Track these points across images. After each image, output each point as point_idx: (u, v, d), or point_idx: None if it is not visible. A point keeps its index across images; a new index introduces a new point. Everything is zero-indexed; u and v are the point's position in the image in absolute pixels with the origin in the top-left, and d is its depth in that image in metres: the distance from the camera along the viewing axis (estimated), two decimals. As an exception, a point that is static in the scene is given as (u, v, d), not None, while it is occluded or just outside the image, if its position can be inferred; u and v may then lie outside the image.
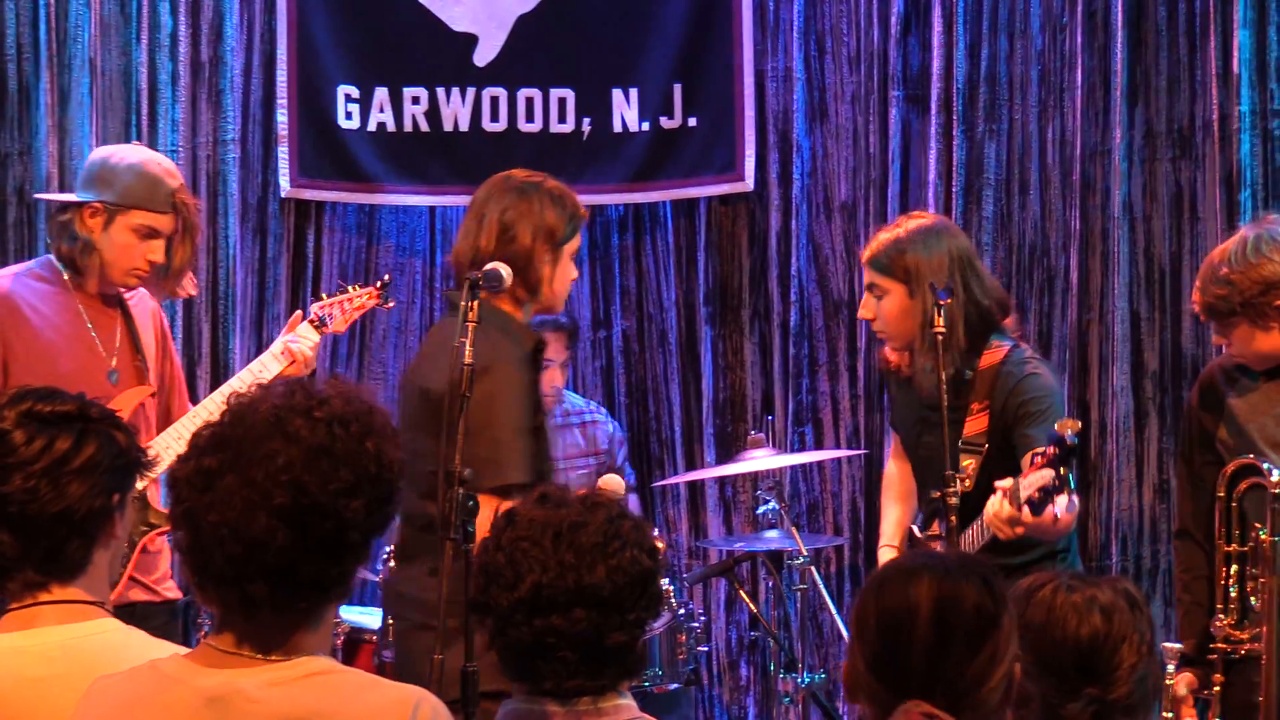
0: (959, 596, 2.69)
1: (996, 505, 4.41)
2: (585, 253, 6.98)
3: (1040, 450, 4.35)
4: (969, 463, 4.69)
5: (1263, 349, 4.60)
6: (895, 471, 5.26)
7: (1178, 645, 4.35)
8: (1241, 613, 4.57)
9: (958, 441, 4.72)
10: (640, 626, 2.92)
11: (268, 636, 2.56)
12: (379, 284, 5.30)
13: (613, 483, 4.72)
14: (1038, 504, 4.33)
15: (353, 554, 2.56)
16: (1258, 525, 4.54)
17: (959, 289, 4.75)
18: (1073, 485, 4.32)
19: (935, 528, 4.86)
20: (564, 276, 4.65)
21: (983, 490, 4.56)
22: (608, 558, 2.88)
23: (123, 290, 4.98)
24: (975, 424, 4.73)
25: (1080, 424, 4.63)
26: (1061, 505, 4.33)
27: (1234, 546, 4.59)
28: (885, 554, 5.11)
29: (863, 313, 4.95)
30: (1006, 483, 4.42)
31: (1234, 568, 4.59)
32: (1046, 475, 4.31)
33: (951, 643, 2.66)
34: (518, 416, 4.45)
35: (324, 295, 5.28)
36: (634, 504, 6.62)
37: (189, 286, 5.07)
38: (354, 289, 5.27)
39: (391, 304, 5.43)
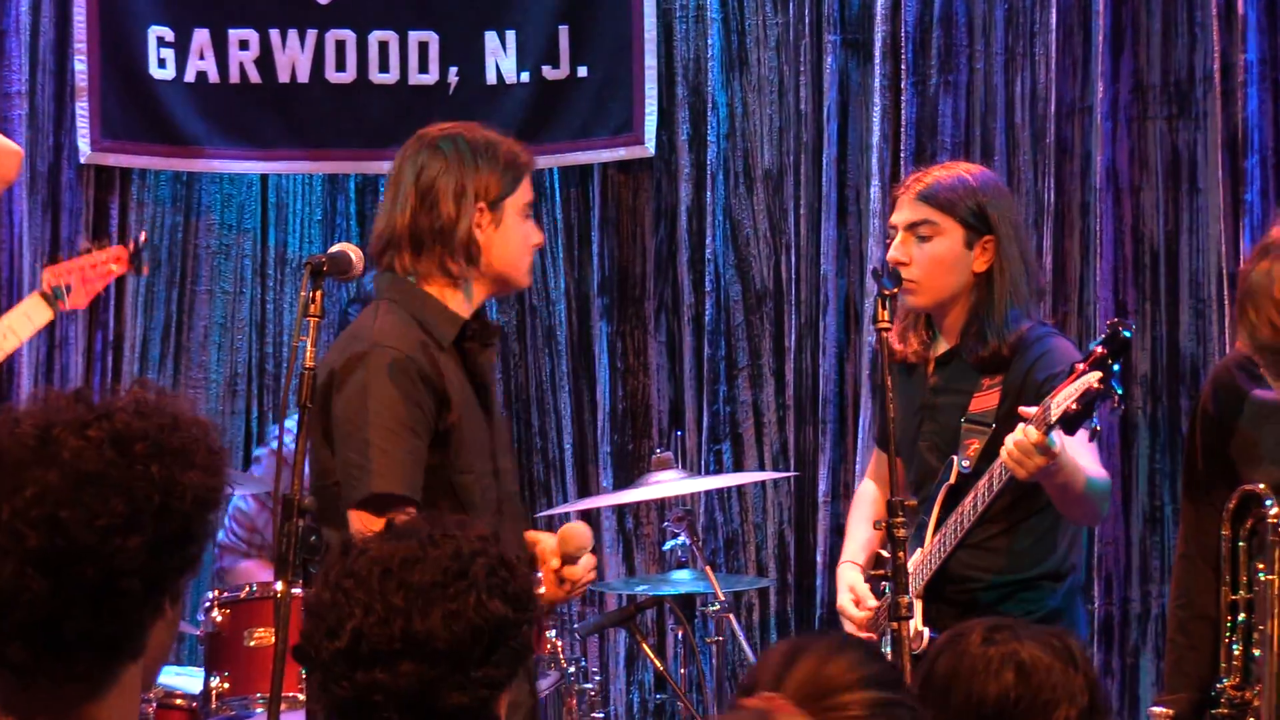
0: None
1: (1019, 434, 4.31)
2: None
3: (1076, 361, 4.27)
4: (972, 443, 4.66)
5: None
6: (870, 492, 5.11)
7: (1167, 710, 4.21)
8: (1245, 673, 4.28)
9: (915, 446, 4.77)
10: (493, 687, 2.75)
11: (43, 709, 2.38)
12: (131, 243, 5.12)
13: (575, 533, 4.30)
14: (1074, 419, 4.20)
15: (136, 605, 2.35)
16: (1260, 565, 4.26)
17: (1023, 257, 4.80)
18: (1119, 390, 4.19)
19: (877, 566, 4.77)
20: (517, 240, 4.42)
21: (982, 475, 4.55)
22: (446, 601, 2.70)
23: None
24: (984, 400, 4.62)
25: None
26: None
27: (1241, 594, 4.32)
28: (847, 571, 4.98)
29: (896, 254, 4.80)
30: (1031, 409, 4.32)
31: (1240, 617, 4.29)
32: (1089, 379, 4.15)
33: None
34: (395, 413, 4.20)
35: (60, 259, 5.17)
36: None
37: None
38: (96, 250, 5.11)
39: (146, 270, 5.31)
